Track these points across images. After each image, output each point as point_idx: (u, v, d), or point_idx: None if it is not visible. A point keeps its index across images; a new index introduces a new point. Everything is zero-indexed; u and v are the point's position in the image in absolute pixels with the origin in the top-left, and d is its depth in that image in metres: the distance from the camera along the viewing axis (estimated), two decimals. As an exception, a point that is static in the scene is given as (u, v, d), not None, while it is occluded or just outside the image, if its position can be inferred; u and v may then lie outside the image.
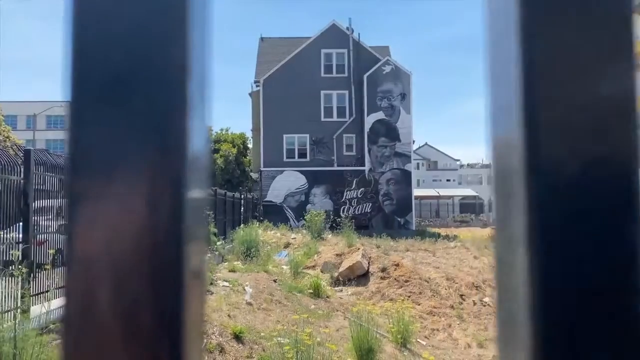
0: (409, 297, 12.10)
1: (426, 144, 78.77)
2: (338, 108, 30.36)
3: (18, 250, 4.53)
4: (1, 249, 4.53)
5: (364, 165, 29.73)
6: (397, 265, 13.48)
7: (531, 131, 0.30)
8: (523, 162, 0.30)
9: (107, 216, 0.31)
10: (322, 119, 30.12)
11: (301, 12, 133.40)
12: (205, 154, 0.36)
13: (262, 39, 35.82)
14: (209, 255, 11.24)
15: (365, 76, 29.91)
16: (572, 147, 0.30)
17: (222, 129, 40.41)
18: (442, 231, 31.44)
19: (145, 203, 0.31)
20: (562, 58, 0.30)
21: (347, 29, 30.79)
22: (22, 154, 5.43)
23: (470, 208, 60.46)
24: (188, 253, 0.31)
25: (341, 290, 12.41)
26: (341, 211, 28.18)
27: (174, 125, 0.32)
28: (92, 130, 0.32)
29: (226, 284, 9.14)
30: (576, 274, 0.29)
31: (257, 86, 30.88)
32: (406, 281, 12.75)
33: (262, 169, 29.82)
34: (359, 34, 30.97)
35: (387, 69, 30.15)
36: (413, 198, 30.32)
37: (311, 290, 10.99)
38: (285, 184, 29.46)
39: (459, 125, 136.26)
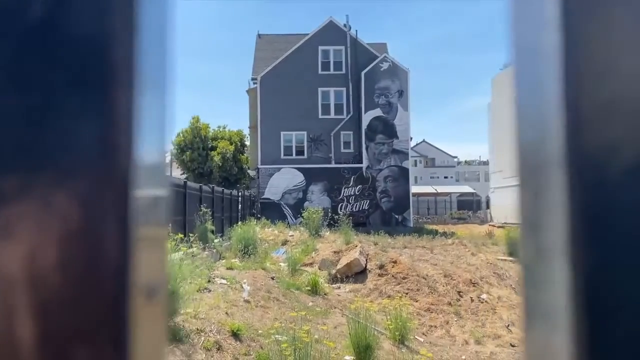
0: (407, 294, 12.12)
1: (424, 141, 78.81)
2: (335, 105, 30.33)
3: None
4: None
5: (362, 163, 29.73)
6: (395, 262, 13.49)
7: (573, 113, 0.23)
8: (563, 153, 0.23)
9: (28, 221, 0.24)
10: (320, 116, 30.10)
11: (298, 10, 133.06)
12: (163, 141, 0.28)
13: (259, 35, 35.74)
14: (207, 252, 11.21)
15: (362, 73, 29.88)
16: (626, 133, 0.22)
17: (219, 127, 40.19)
18: (440, 228, 31.49)
19: (78, 204, 0.24)
20: (616, 18, 0.23)
21: (345, 26, 30.73)
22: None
23: (467, 205, 60.55)
24: (137, 266, 0.24)
25: (339, 288, 12.41)
26: (339, 208, 28.19)
27: (117, 103, 0.24)
28: (8, 110, 0.24)
29: (224, 281, 9.13)
30: (633, 290, 0.22)
31: (254, 83, 30.83)
32: (404, 278, 12.77)
33: (259, 166, 29.79)
34: (356, 31, 30.95)
35: (385, 66, 30.11)
36: (411, 195, 30.34)
37: (309, 288, 10.99)
38: (282, 181, 29.44)
39: (456, 122, 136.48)
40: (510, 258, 16.40)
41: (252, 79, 31.07)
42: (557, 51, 0.23)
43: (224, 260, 12.05)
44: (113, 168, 0.25)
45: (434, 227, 33.82)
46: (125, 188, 0.25)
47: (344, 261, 13.49)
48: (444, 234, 22.58)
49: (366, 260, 13.65)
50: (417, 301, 11.89)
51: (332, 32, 30.61)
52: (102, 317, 0.23)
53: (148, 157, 0.26)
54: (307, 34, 30.93)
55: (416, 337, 9.72)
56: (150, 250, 0.26)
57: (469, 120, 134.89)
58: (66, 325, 0.23)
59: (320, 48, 30.39)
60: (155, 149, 0.28)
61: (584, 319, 0.22)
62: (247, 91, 31.89)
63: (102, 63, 0.24)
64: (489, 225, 37.76)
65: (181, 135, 37.98)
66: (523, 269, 0.27)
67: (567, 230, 0.22)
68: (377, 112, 29.90)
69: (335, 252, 14.82)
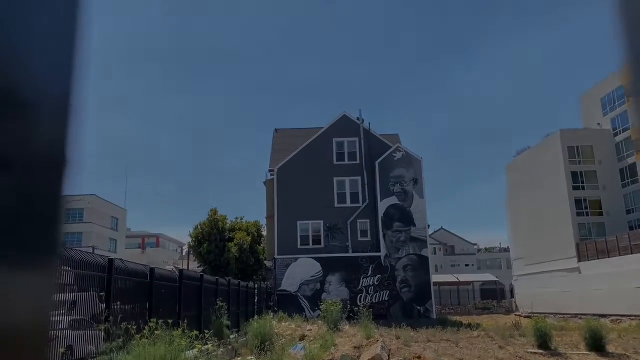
0: (434, 393, 11.32)
1: (442, 228, 78.04)
2: (351, 194, 30.65)
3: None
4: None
5: (380, 251, 29.33)
6: (419, 357, 12.78)
7: None
8: None
9: None
10: (336, 205, 30.31)
11: (313, 108, 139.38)
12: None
13: (276, 130, 37.25)
14: (222, 349, 10.79)
15: (377, 163, 30.50)
16: None
17: (237, 218, 40.70)
18: (464, 319, 30.12)
19: None
20: None
21: (358, 119, 31.94)
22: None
23: (491, 294, 58.29)
24: None
25: (361, 387, 11.67)
26: (358, 299, 27.36)
27: None
28: None
29: (239, 381, 8.68)
30: None
31: (271, 175, 31.57)
32: (429, 375, 12.00)
33: (276, 256, 29.54)
34: (369, 123, 32.09)
35: (398, 155, 30.77)
36: (432, 284, 29.45)
37: (329, 387, 10.35)
38: (299, 271, 28.99)
39: (473, 209, 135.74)
40: (541, 351, 15.41)
41: (270, 171, 31.87)
42: None
43: (240, 357, 11.55)
44: None
45: (458, 318, 32.38)
46: None
47: (365, 357, 12.80)
48: (469, 325, 21.54)
49: (388, 355, 12.96)
50: (445, 401, 11.05)
51: (345, 125, 31.77)
52: None
53: None
54: (322, 128, 32.13)
55: None
56: None
57: (486, 206, 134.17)
58: None
59: (335, 140, 31.39)
60: None
61: None
62: (265, 182, 32.58)
63: None
64: (515, 315, 36.06)
65: (199, 227, 38.34)
66: None
67: None
68: (393, 200, 30.04)
69: (355, 347, 14.14)
